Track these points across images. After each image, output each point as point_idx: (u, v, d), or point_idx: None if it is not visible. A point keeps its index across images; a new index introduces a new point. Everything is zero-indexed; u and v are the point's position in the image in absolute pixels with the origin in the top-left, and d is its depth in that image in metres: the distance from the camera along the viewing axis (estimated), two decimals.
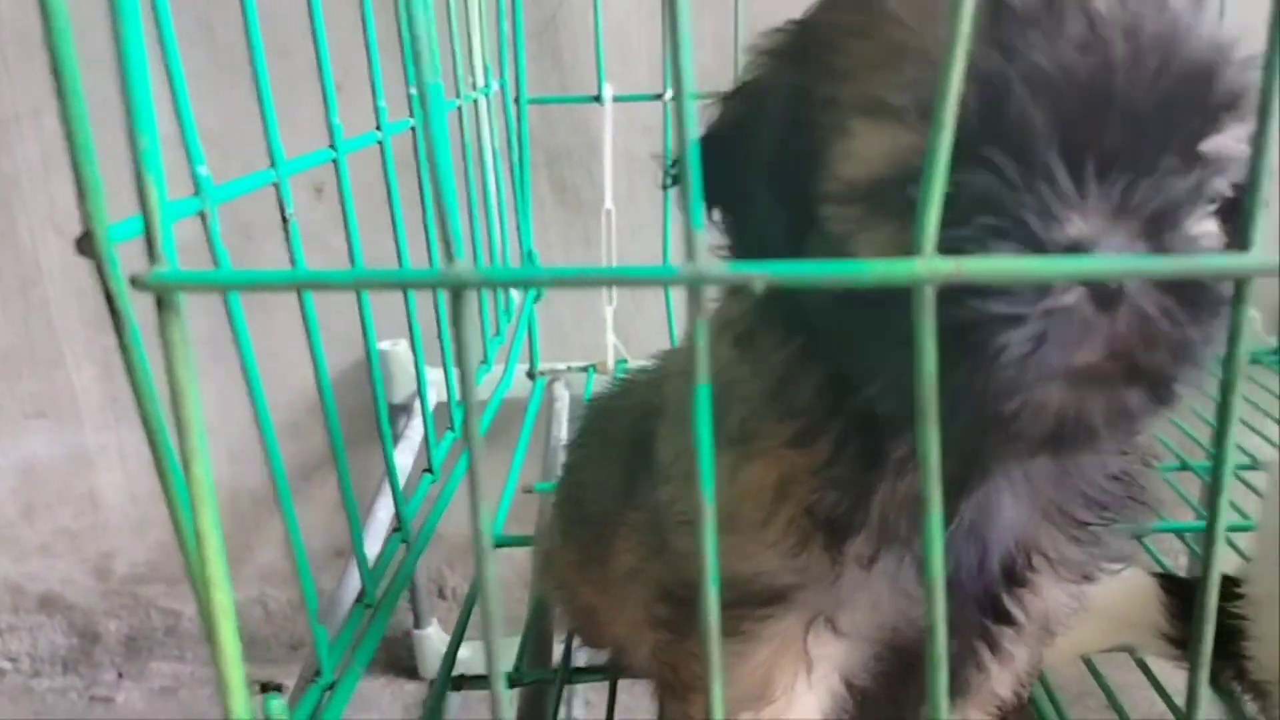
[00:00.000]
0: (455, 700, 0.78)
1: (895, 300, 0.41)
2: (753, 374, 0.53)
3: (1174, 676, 0.75)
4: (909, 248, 0.35)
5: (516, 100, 1.30)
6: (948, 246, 0.36)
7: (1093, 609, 0.76)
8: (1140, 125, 0.42)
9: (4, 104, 1.45)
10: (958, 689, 0.61)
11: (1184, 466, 1.10)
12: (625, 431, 0.68)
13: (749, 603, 0.54)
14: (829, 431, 0.51)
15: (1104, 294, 0.40)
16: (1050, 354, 0.40)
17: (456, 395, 0.92)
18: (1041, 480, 0.53)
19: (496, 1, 1.26)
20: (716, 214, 0.51)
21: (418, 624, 1.58)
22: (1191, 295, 0.41)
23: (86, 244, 0.38)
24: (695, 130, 0.37)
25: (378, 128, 0.75)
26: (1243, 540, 0.79)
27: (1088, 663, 0.78)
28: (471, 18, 1.17)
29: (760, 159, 0.48)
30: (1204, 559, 0.42)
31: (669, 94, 1.32)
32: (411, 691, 1.57)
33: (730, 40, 1.29)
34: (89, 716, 1.60)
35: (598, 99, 1.31)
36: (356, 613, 0.62)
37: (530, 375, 1.34)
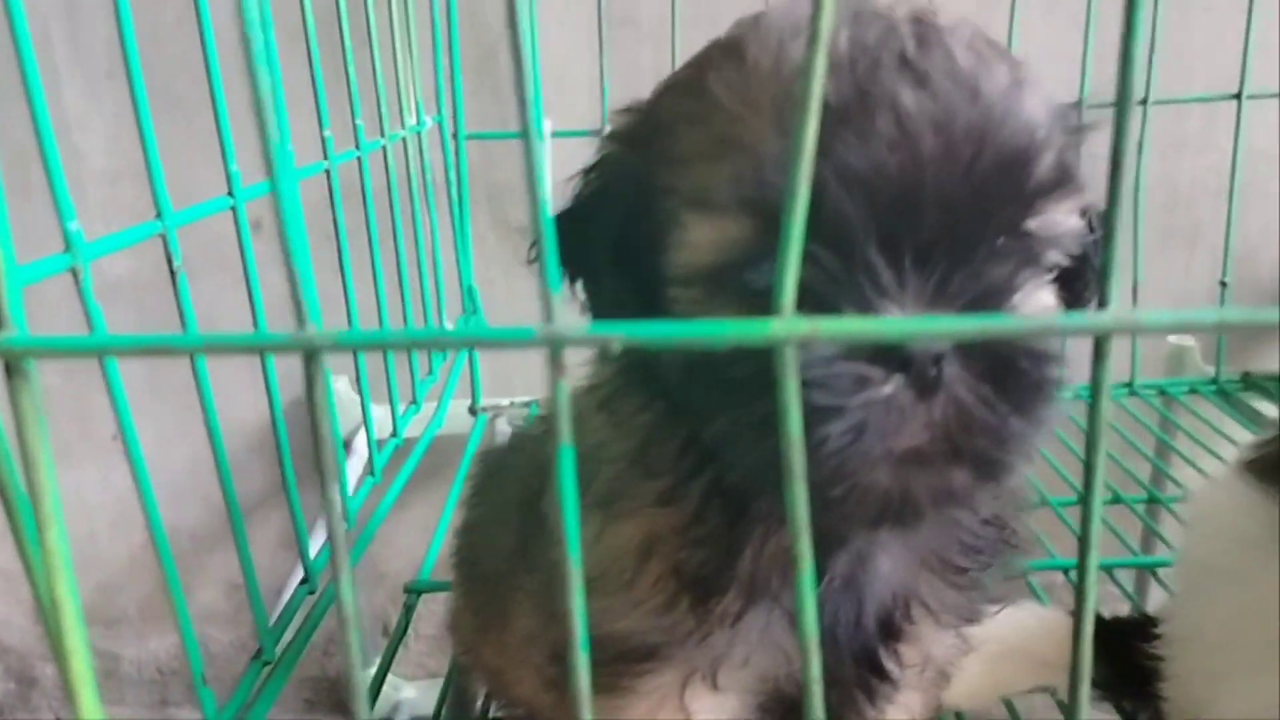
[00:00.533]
0: None
1: (741, 370, 0.42)
2: (618, 436, 0.55)
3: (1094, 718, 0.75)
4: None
5: (455, 135, 1.30)
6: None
7: (1012, 650, 0.76)
8: (956, 215, 0.43)
9: None
10: None
11: (1117, 499, 1.10)
12: (515, 490, 0.68)
13: (625, 659, 0.55)
14: (693, 491, 0.51)
15: (923, 383, 0.42)
16: (871, 442, 0.42)
17: (375, 437, 0.91)
18: (917, 532, 0.54)
19: (433, 36, 1.25)
20: (576, 285, 0.53)
21: (366, 663, 1.55)
22: (1010, 381, 0.43)
23: None
24: (548, 196, 0.37)
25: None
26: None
27: (1008, 704, 0.78)
28: (404, 53, 1.17)
29: (606, 239, 0.49)
30: (1078, 597, 0.42)
31: (608, 129, 1.32)
32: None
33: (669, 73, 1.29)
34: None
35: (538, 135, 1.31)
36: (253, 670, 0.60)
37: (472, 411, 1.33)
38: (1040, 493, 1.11)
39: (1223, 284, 1.36)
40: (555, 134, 1.32)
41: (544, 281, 0.36)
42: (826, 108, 0.42)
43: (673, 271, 0.48)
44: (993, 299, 0.44)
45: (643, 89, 1.44)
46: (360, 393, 0.91)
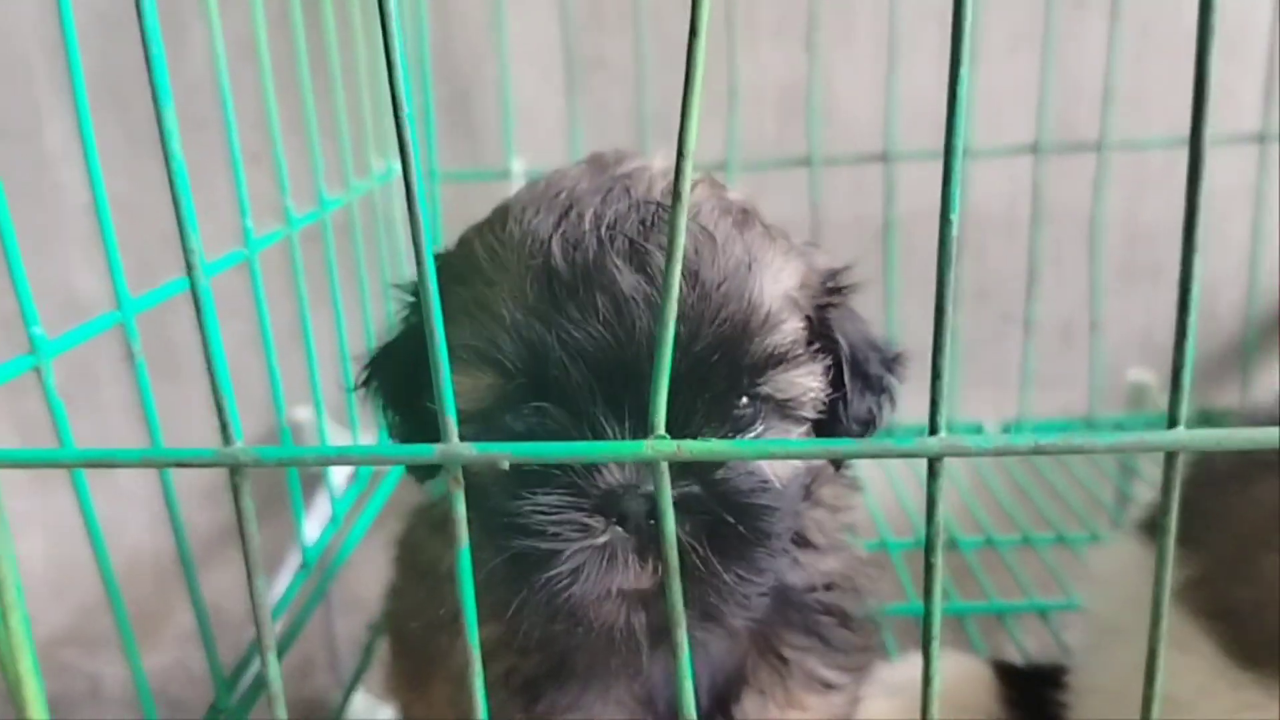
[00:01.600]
0: None
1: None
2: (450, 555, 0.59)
3: None
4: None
5: (429, 176, 1.33)
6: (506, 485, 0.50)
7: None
8: (675, 384, 0.48)
9: None
10: None
11: (1060, 539, 1.13)
12: (430, 564, 0.72)
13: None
14: (512, 608, 0.55)
15: (640, 533, 0.49)
16: (588, 582, 0.49)
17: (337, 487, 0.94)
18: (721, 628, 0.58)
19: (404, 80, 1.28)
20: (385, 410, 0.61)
21: (338, 684, 1.59)
22: (723, 536, 0.50)
23: None
24: (434, 311, 0.40)
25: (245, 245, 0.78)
26: None
27: None
28: (375, 99, 1.20)
29: (401, 377, 0.58)
30: (924, 643, 0.46)
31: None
32: None
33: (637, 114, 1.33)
34: None
35: (507, 175, 1.34)
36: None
37: None
38: (989, 535, 1.15)
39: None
40: (527, 174, 1.35)
41: (441, 406, 0.40)
42: (559, 280, 0.50)
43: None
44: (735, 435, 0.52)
45: (613, 129, 1.48)
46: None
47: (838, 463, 0.63)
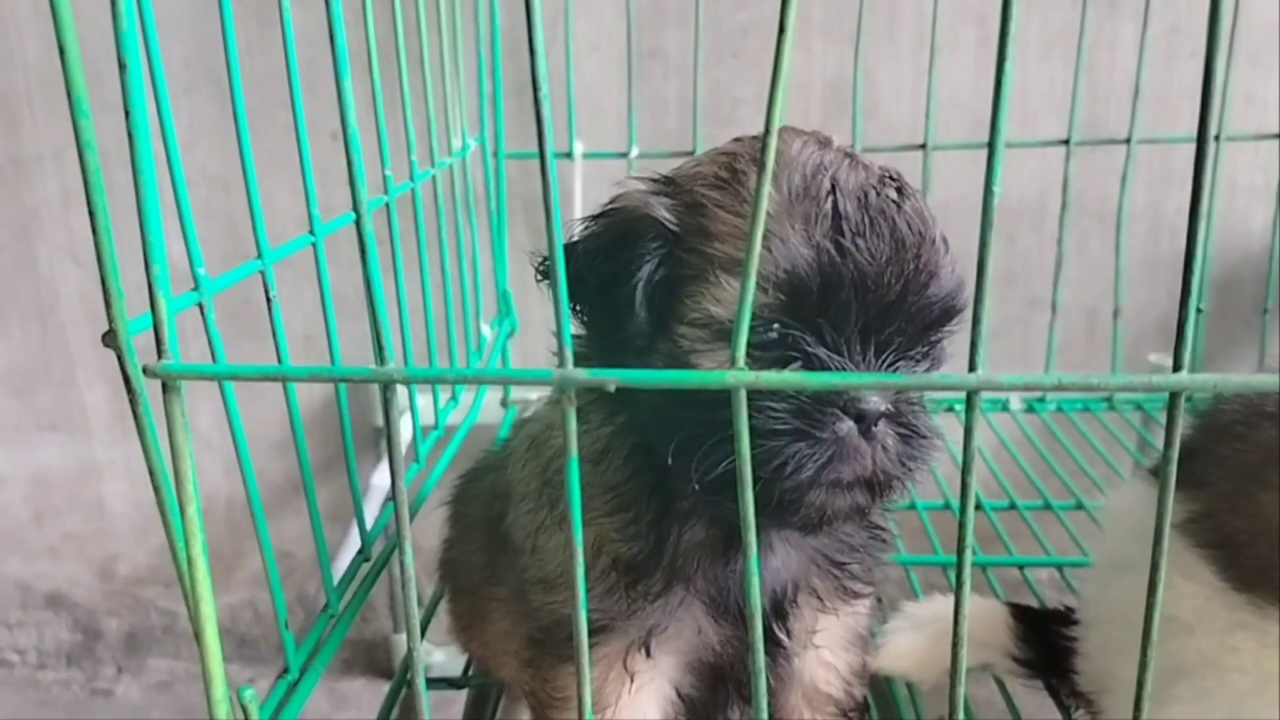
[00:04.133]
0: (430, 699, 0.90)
1: (712, 404, 0.56)
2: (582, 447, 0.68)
3: (1021, 692, 0.88)
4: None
5: (495, 155, 1.43)
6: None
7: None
8: (907, 323, 0.60)
9: (28, 144, 1.58)
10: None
11: (1079, 506, 1.22)
12: (481, 512, 0.82)
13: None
14: (634, 496, 0.65)
15: (868, 431, 0.59)
16: (838, 466, 0.58)
17: (421, 424, 1.04)
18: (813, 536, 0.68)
19: (478, 64, 1.39)
20: (582, 310, 0.66)
21: (396, 629, 1.70)
22: (914, 438, 0.61)
23: (110, 339, 0.51)
24: (560, 250, 0.49)
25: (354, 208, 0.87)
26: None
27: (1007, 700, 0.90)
28: (454, 83, 1.30)
29: (633, 279, 0.61)
30: (956, 593, 0.55)
31: (634, 152, 1.45)
32: (379, 691, 1.69)
33: (691, 101, 1.42)
34: (89, 708, 1.72)
35: (569, 155, 1.44)
36: (322, 621, 0.74)
37: (503, 404, 1.46)
38: (1012, 499, 1.24)
39: (1198, 310, 1.47)
40: (586, 155, 1.45)
41: (560, 332, 0.50)
42: (848, 222, 0.58)
43: (691, 315, 0.60)
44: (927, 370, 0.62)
45: (668, 117, 1.57)
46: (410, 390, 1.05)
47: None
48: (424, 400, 1.19)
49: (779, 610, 0.72)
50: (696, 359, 0.60)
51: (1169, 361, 1.45)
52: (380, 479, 1.48)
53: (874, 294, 0.58)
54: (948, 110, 1.47)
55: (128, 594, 1.78)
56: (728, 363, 0.52)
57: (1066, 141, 1.41)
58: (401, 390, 1.45)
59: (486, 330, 1.38)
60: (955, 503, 1.23)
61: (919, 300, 0.59)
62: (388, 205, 0.91)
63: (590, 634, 0.69)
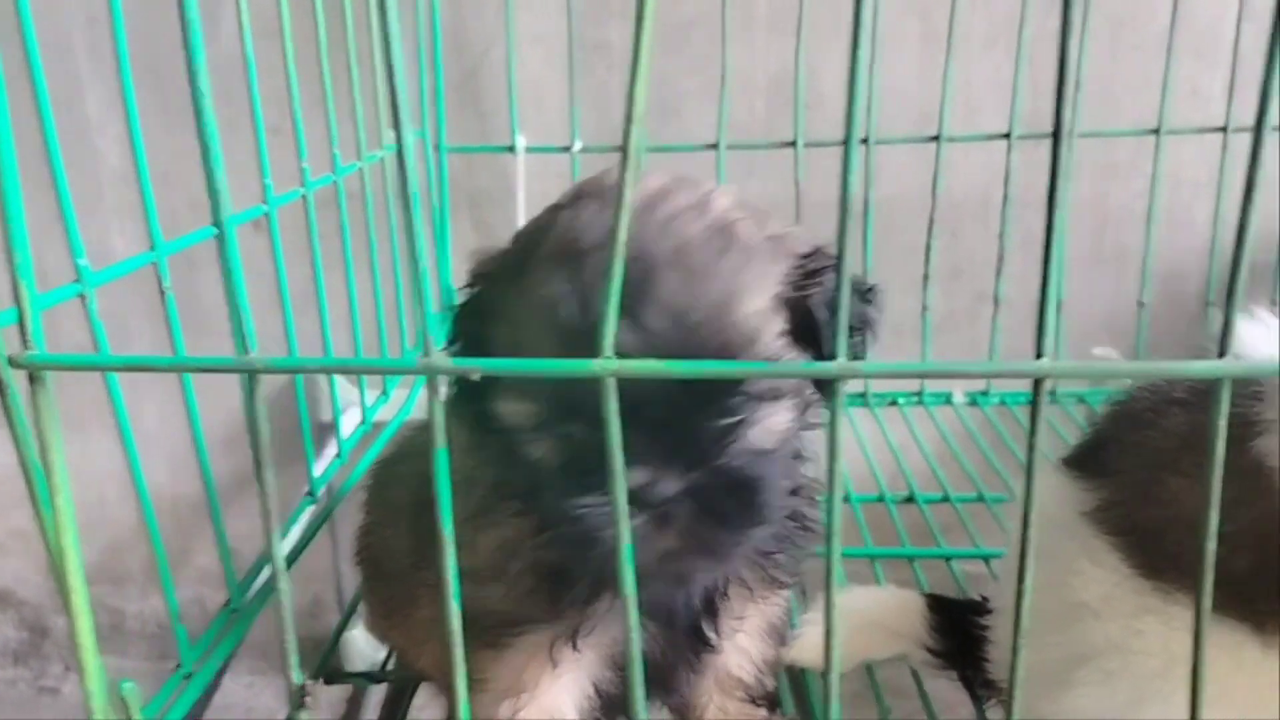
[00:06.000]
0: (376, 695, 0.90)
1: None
2: (483, 465, 0.69)
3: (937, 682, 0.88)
4: None
5: (437, 148, 1.43)
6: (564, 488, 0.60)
7: (870, 623, 0.89)
8: (674, 408, 0.59)
9: None
10: (675, 684, 0.77)
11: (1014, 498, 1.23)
12: (409, 496, 0.82)
13: (504, 625, 0.70)
14: (536, 508, 0.65)
15: (661, 515, 0.60)
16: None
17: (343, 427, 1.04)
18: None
19: (418, 57, 1.38)
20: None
21: (349, 626, 1.69)
22: (726, 512, 0.61)
23: None
24: (424, 254, 0.49)
25: (264, 200, 0.87)
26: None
27: (868, 668, 0.90)
28: (398, 73, 1.29)
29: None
30: (826, 584, 0.54)
31: (578, 146, 1.44)
32: (337, 690, 1.68)
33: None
34: (36, 706, 1.71)
35: (511, 149, 1.44)
36: (221, 617, 0.74)
37: None
38: (945, 491, 1.24)
39: (1140, 304, 1.48)
40: (529, 149, 1.45)
41: (423, 323, 0.49)
42: (574, 339, 0.58)
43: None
44: (715, 451, 0.61)
45: (613, 110, 1.57)
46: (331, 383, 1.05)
47: (822, 388, 0.71)
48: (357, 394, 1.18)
49: (710, 607, 0.73)
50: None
51: (1113, 354, 1.45)
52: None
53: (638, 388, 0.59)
54: (892, 104, 1.47)
55: None
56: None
57: (1008, 135, 1.41)
58: (345, 384, 1.45)
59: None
60: (890, 495, 1.24)
61: (680, 385, 0.59)
62: (305, 199, 0.91)
63: (514, 625, 0.71)
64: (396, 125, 0.45)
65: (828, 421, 0.49)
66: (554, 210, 0.66)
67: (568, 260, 0.61)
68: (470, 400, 0.67)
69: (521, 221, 1.45)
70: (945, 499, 1.22)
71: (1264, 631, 0.65)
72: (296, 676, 0.54)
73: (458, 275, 1.51)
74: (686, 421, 0.60)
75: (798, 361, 0.58)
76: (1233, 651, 0.66)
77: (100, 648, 1.76)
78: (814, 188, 1.52)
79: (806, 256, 0.67)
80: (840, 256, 0.48)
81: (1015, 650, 0.54)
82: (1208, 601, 0.53)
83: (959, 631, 0.86)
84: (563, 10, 1.43)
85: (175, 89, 1.54)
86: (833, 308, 0.64)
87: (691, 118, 1.50)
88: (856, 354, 0.68)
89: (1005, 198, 1.43)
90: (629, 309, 0.58)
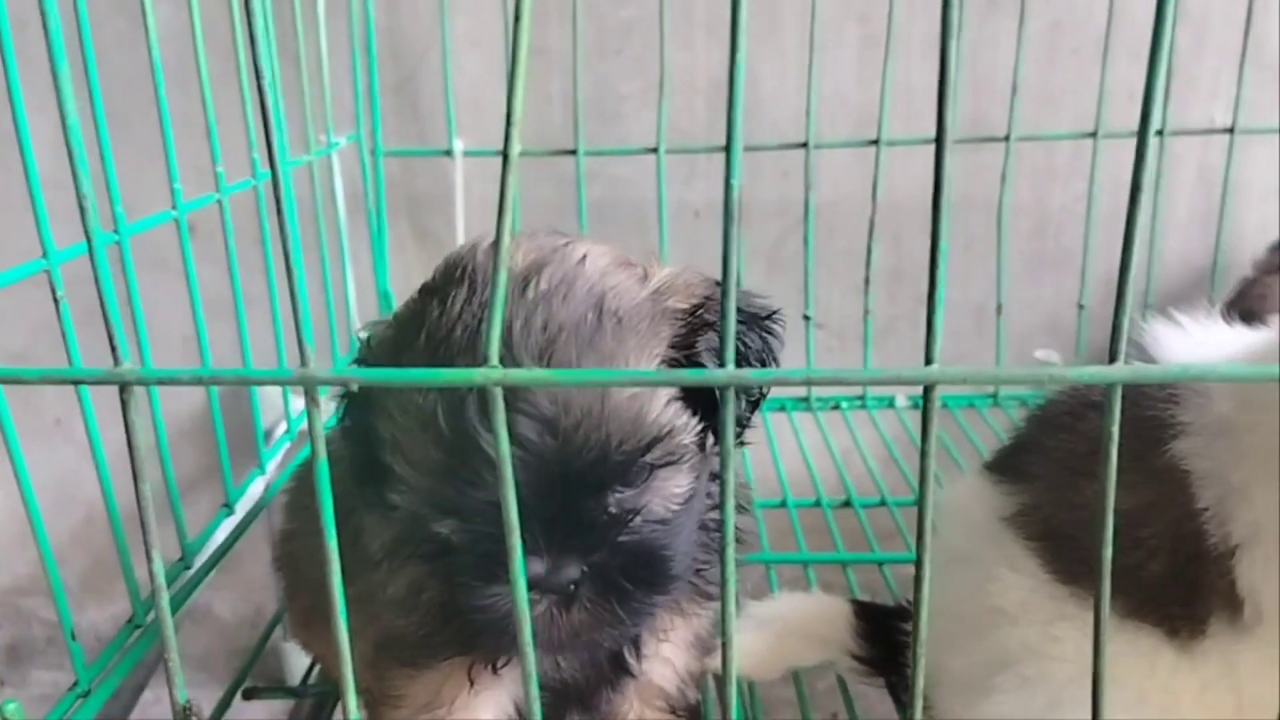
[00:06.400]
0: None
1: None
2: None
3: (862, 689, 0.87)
4: None
5: (373, 152, 1.41)
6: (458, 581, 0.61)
7: (795, 630, 0.88)
8: (567, 498, 0.60)
9: None
10: (596, 701, 0.76)
11: None
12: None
13: (421, 648, 0.70)
14: (447, 550, 0.64)
15: (564, 599, 0.61)
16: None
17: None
18: None
19: (352, 59, 1.36)
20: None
21: (285, 637, 1.67)
22: (627, 590, 0.62)
23: None
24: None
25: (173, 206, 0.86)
26: None
27: (795, 675, 0.90)
28: (324, 78, 1.28)
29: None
30: (723, 592, 0.54)
31: (517, 149, 1.42)
32: (279, 704, 1.66)
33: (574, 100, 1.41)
34: None
35: (448, 153, 1.42)
36: (123, 633, 0.72)
37: None
38: (883, 495, 1.24)
39: (1080, 306, 1.49)
40: (466, 153, 1.43)
41: (299, 332, 0.48)
42: (445, 446, 0.59)
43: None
44: (613, 532, 0.61)
45: (552, 114, 1.56)
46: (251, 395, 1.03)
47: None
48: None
49: (634, 638, 0.73)
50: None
51: (1055, 357, 1.46)
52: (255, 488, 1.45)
53: (529, 484, 0.58)
54: (832, 108, 1.47)
55: (9, 604, 1.74)
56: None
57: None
58: (275, 392, 1.43)
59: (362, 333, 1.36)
60: (828, 500, 1.24)
61: (566, 484, 0.59)
62: (220, 203, 0.89)
63: (431, 648, 0.71)
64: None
65: (721, 427, 0.49)
66: (426, 295, 0.65)
67: (443, 350, 0.61)
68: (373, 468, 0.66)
69: (460, 226, 1.46)
70: (882, 503, 1.22)
71: (1178, 636, 0.65)
72: (180, 696, 0.53)
73: (395, 280, 1.50)
74: (579, 509, 0.61)
75: (685, 370, 0.57)
76: (1147, 657, 0.66)
77: (36, 661, 1.73)
78: (756, 190, 1.52)
79: (693, 311, 0.65)
80: (726, 264, 0.48)
81: (915, 660, 0.53)
82: (1106, 608, 0.52)
83: (885, 638, 0.86)
84: (500, 14, 1.42)
85: (108, 94, 1.52)
86: (722, 312, 0.64)
87: (631, 122, 1.50)
88: (759, 399, 0.68)
89: (943, 202, 1.43)
90: (514, 425, 0.58)
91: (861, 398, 1.47)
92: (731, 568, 0.51)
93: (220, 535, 0.91)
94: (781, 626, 0.88)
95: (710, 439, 0.65)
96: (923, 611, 0.53)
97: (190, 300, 0.97)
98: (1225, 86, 1.48)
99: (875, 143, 1.42)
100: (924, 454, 0.50)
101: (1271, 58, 1.53)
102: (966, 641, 0.75)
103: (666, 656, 0.76)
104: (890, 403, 1.47)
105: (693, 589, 0.72)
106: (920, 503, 0.51)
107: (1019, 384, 0.58)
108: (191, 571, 0.80)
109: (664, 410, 0.61)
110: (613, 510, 0.61)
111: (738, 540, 0.74)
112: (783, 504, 1.19)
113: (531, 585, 0.59)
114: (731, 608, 0.53)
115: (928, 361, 0.49)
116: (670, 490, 0.63)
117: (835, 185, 1.51)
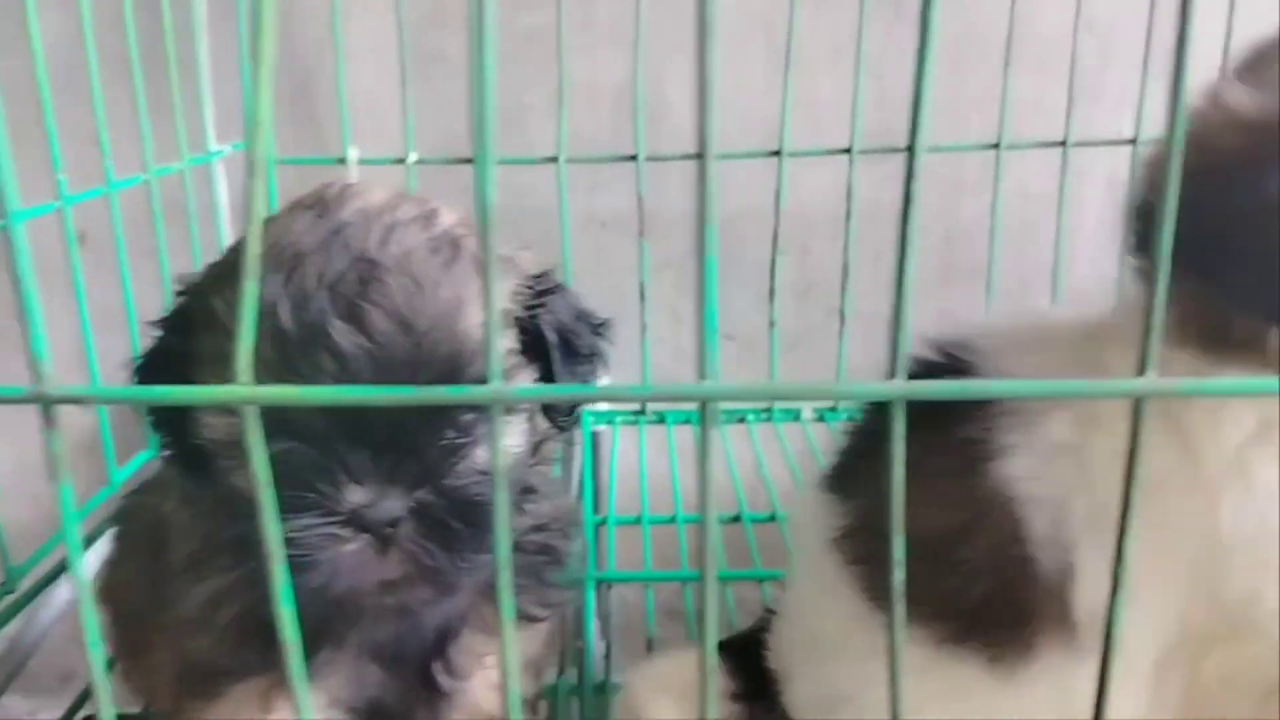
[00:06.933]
0: None
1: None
2: (193, 519, 0.69)
3: None
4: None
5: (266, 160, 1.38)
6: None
7: (688, 686, 0.85)
8: (400, 422, 0.57)
9: None
10: None
11: None
12: (147, 531, 0.78)
13: (214, 675, 0.69)
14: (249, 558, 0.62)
15: (382, 538, 0.57)
16: (342, 584, 0.58)
17: None
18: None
19: (239, 66, 1.33)
20: None
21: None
22: (453, 533, 0.59)
23: None
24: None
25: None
26: None
27: None
28: (203, 83, 1.25)
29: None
30: (502, 620, 0.51)
31: (413, 158, 1.40)
32: None
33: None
34: None
35: (343, 161, 1.39)
36: None
37: None
38: (774, 510, 1.22)
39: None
40: (362, 161, 1.40)
41: (33, 345, 0.45)
42: (289, 341, 0.55)
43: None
44: (443, 469, 0.59)
45: (454, 121, 1.53)
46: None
47: (555, 421, 0.70)
48: None
49: (442, 651, 0.71)
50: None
51: None
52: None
53: (339, 411, 0.56)
54: (740, 118, 1.45)
55: None
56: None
57: (849, 150, 1.40)
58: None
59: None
60: (721, 515, 1.21)
61: (435, 375, 0.57)
62: (60, 210, 0.86)
63: (224, 674, 0.69)
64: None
65: (492, 441, 0.46)
66: (266, 222, 0.64)
67: (282, 265, 0.59)
68: (175, 432, 0.64)
69: None
70: (772, 518, 1.20)
71: (1000, 663, 0.63)
72: None
73: None
74: (412, 438, 0.58)
75: (446, 388, 0.56)
76: (967, 686, 0.64)
77: None
78: (664, 202, 1.50)
79: (536, 278, 0.67)
80: (486, 271, 0.45)
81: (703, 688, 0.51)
82: (900, 636, 0.50)
83: (752, 666, 0.83)
84: (395, 20, 1.40)
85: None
86: (560, 332, 0.63)
87: (536, 130, 1.47)
88: (588, 381, 0.67)
89: (849, 213, 1.43)
90: (352, 313, 0.57)
91: (768, 410, 1.45)
92: (509, 598, 0.48)
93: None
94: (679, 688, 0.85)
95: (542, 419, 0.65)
96: (708, 643, 0.50)
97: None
98: (1132, 97, 1.48)
99: (778, 154, 1.40)
100: (703, 471, 0.48)
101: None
102: (812, 664, 0.73)
103: (495, 682, 0.74)
104: (796, 415, 1.45)
105: (519, 613, 0.70)
106: (704, 519, 0.49)
107: (799, 399, 0.56)
108: (14, 595, 0.77)
109: (506, 355, 0.62)
110: (448, 445, 0.60)
111: (557, 563, 0.72)
112: (672, 519, 1.17)
113: (349, 519, 0.57)
114: (511, 633, 0.50)
115: (702, 377, 0.47)
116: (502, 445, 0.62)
117: (744, 196, 1.49)
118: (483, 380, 0.60)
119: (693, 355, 1.57)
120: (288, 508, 0.55)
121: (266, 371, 0.54)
